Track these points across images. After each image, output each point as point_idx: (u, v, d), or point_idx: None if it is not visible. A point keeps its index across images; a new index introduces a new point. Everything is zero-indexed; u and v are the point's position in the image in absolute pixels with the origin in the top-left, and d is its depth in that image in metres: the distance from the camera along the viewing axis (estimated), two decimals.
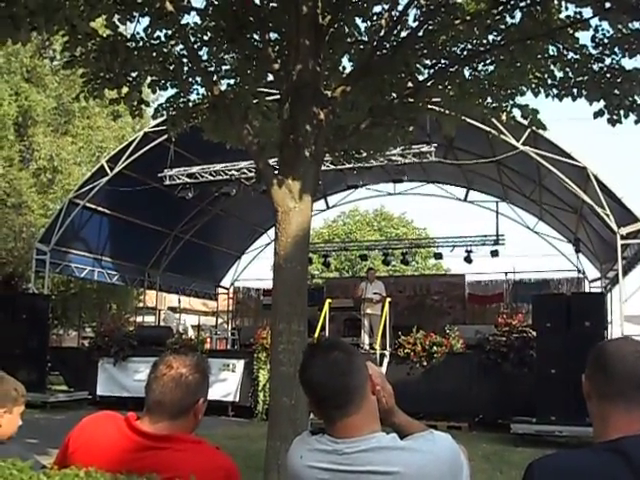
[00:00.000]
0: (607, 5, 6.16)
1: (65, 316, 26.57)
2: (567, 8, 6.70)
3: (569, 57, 6.90)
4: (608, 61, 6.79)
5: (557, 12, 6.70)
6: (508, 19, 6.86)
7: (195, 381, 2.18)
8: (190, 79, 7.77)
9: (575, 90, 7.03)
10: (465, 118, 8.31)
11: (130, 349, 16.09)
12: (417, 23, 7.16)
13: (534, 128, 8.02)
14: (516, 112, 7.56)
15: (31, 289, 18.52)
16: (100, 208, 19.29)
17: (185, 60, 7.51)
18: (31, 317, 15.71)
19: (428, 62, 7.47)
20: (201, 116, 7.95)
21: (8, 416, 3.05)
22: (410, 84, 7.49)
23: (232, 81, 8.01)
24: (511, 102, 7.49)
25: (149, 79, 7.65)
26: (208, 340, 20.12)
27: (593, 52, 6.78)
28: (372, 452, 1.85)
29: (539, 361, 12.00)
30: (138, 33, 7.25)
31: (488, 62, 7.33)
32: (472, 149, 17.55)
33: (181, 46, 7.39)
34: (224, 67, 7.86)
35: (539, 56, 6.90)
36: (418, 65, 7.47)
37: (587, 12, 6.54)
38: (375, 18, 7.29)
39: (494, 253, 21.27)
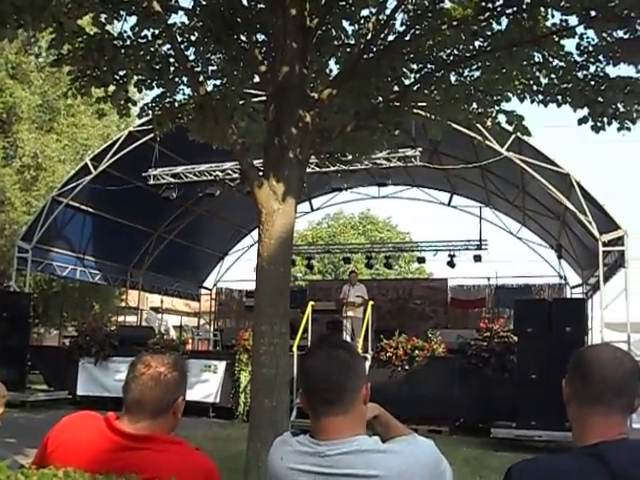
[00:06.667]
0: (592, 14, 6.23)
1: (46, 315, 26.37)
2: (553, 16, 6.76)
3: (554, 64, 6.95)
4: (592, 69, 6.86)
5: (543, 19, 6.74)
6: (494, 25, 6.90)
7: (174, 379, 2.18)
8: (176, 79, 7.74)
9: (560, 97, 7.08)
10: (450, 123, 8.34)
11: (111, 349, 15.95)
12: (404, 27, 7.19)
13: (519, 134, 8.06)
14: (501, 118, 7.62)
15: (12, 287, 18.35)
16: (83, 207, 19.15)
17: (172, 60, 7.49)
18: (12, 315, 15.53)
19: (414, 66, 7.49)
20: (187, 116, 7.91)
21: None
22: (396, 88, 7.52)
23: (218, 82, 8.00)
24: (497, 108, 7.53)
25: (135, 78, 7.63)
26: (190, 341, 20.09)
27: (578, 59, 6.84)
28: (353, 455, 1.84)
29: (520, 366, 12.04)
30: (125, 32, 7.23)
31: (474, 68, 7.37)
32: (457, 154, 17.61)
33: (168, 46, 7.37)
34: (211, 68, 7.84)
35: (525, 62, 6.94)
36: (404, 69, 7.49)
37: (573, 20, 6.61)
38: (362, 21, 7.28)
39: (477, 258, 21.39)
